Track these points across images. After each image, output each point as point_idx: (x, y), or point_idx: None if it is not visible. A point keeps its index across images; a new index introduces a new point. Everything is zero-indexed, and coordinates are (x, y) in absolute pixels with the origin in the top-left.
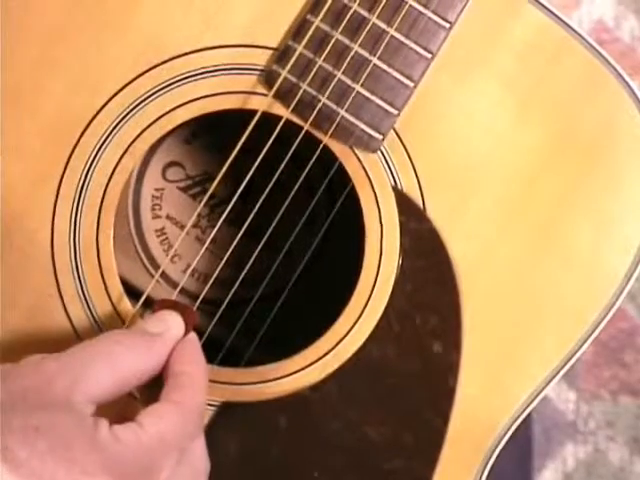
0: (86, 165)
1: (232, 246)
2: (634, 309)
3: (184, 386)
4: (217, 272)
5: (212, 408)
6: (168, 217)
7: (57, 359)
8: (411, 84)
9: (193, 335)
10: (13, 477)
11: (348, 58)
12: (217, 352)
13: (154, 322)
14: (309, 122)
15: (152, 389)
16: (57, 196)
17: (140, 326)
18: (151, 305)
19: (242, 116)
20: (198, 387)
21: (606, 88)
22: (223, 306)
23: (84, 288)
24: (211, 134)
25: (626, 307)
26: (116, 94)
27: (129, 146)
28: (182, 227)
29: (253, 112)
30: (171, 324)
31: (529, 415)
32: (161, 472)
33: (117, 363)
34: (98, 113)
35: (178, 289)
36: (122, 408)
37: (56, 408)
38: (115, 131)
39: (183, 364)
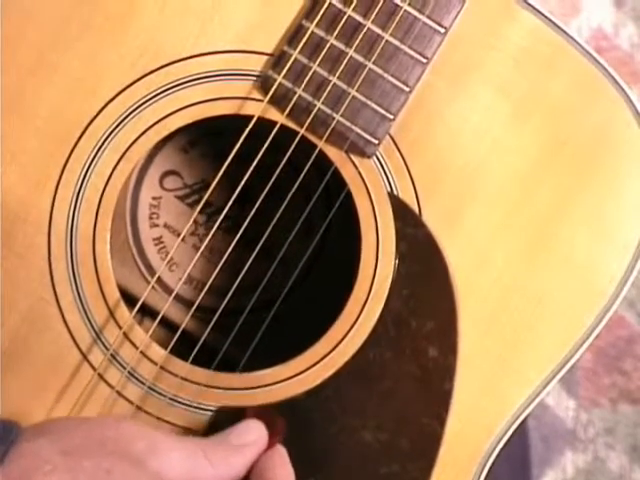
0: (83, 169)
1: (227, 253)
2: (633, 316)
3: None
4: (215, 280)
5: (208, 413)
6: (166, 226)
7: (140, 425)
8: (407, 89)
9: (280, 447)
10: None
11: (343, 63)
12: (213, 358)
13: (238, 434)
14: (305, 127)
15: None
16: (54, 200)
17: (224, 437)
18: (148, 312)
19: (239, 125)
20: None
21: (601, 93)
22: (218, 312)
23: (81, 294)
24: (208, 143)
25: (625, 315)
26: (113, 99)
27: (126, 151)
28: (180, 236)
29: (249, 119)
30: (253, 436)
31: (525, 423)
32: None
33: (193, 467)
34: (95, 118)
35: (172, 295)
36: None
37: (131, 461)
38: (112, 136)
39: (270, 475)
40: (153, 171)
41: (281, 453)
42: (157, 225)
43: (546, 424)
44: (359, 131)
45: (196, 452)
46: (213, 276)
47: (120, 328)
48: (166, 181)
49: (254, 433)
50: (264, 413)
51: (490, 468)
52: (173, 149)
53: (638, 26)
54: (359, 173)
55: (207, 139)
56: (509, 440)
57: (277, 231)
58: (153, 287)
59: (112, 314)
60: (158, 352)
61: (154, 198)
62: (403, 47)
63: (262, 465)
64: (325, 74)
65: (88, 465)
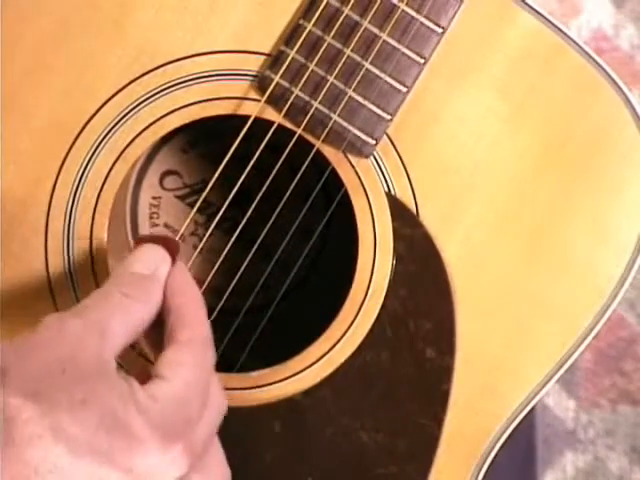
0: (80, 169)
1: (225, 254)
2: (633, 317)
3: (187, 323)
4: (214, 280)
5: None
6: (166, 226)
7: (79, 315)
8: (404, 89)
9: (179, 264)
10: (69, 458)
11: (340, 63)
12: None
13: (142, 263)
14: (302, 127)
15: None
16: (51, 200)
17: (132, 271)
18: None
19: (239, 124)
20: (199, 318)
21: (600, 95)
22: (215, 312)
23: (78, 294)
24: (208, 143)
25: (625, 315)
26: (110, 99)
27: (123, 151)
28: (180, 236)
29: (247, 119)
30: (158, 260)
31: (533, 419)
32: (196, 417)
33: (129, 316)
34: (92, 118)
35: None
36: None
37: (94, 375)
38: (109, 136)
39: (177, 296)
40: (153, 171)
41: (181, 269)
42: (157, 225)
43: (546, 425)
44: (356, 131)
45: (124, 304)
46: (211, 275)
47: None
48: (166, 181)
49: (156, 255)
50: (152, 238)
51: (488, 469)
52: (173, 149)
53: (638, 27)
54: (356, 173)
55: (207, 139)
56: (508, 440)
57: (276, 231)
58: None
59: None
60: None
61: (154, 198)
62: (400, 47)
63: (169, 286)
64: (322, 74)
65: (64, 401)
